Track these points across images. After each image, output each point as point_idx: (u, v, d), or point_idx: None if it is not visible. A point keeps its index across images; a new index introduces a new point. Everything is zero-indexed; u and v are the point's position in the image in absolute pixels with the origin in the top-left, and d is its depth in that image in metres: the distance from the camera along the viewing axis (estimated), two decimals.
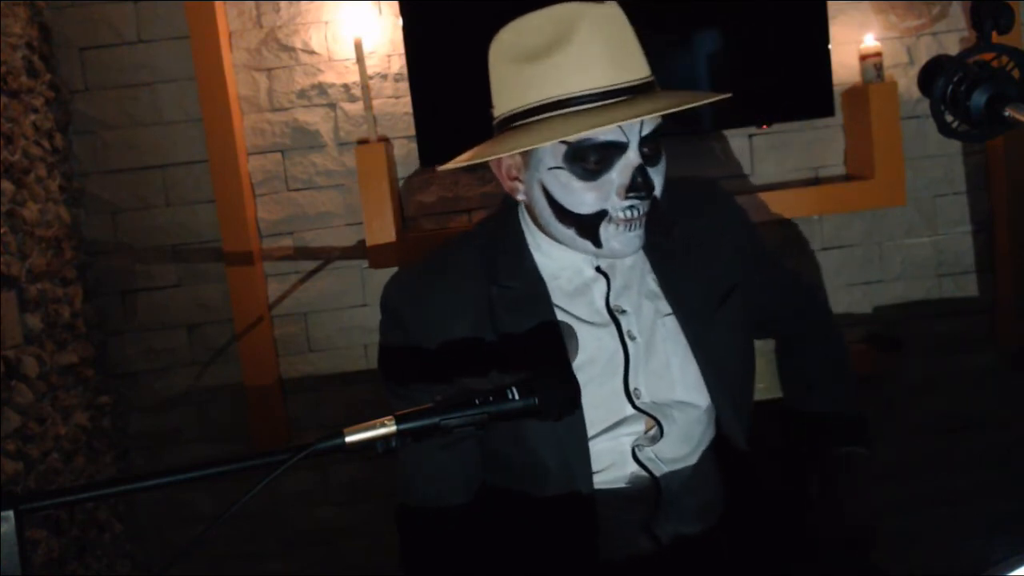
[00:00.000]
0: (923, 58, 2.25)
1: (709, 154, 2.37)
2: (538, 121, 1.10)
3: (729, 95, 1.17)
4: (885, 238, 2.43)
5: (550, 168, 1.13)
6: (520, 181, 1.19)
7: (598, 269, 1.22)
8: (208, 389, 2.36)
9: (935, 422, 2.46)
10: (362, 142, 2.28)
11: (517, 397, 0.91)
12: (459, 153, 1.20)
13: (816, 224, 2.41)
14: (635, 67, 1.11)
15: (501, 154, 1.13)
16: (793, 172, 2.39)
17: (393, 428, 0.85)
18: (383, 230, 2.19)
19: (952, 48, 2.36)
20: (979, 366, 2.46)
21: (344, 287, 2.37)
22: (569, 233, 1.16)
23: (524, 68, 1.11)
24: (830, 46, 2.22)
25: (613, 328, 1.21)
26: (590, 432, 1.18)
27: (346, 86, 2.30)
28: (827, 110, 2.27)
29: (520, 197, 1.21)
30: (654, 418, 1.21)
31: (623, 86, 1.09)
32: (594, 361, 1.20)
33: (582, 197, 1.12)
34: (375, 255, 2.20)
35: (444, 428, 0.88)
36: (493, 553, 1.25)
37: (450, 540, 1.23)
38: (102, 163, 2.30)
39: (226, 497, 2.30)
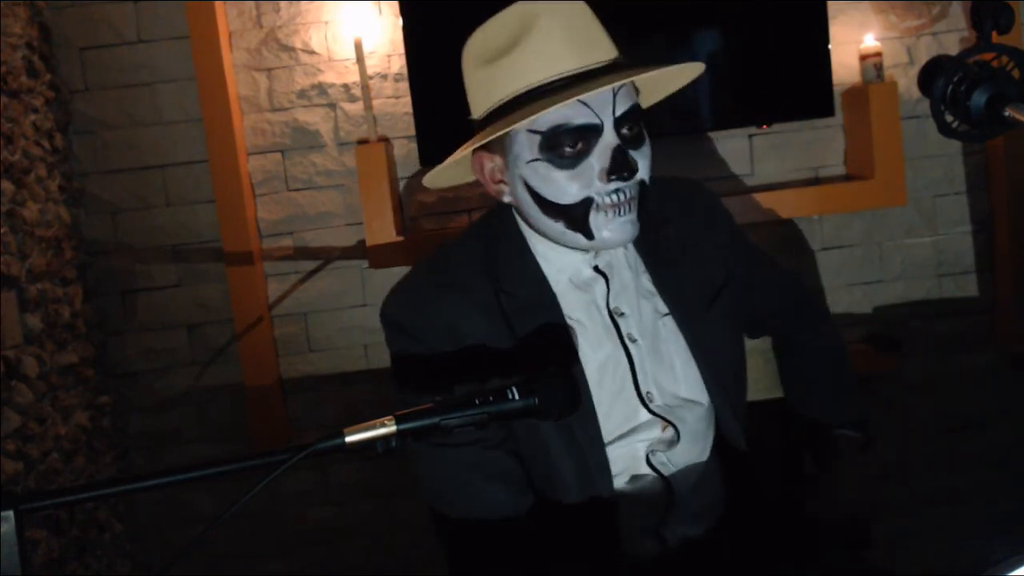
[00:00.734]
0: (923, 58, 2.25)
1: (709, 154, 2.37)
2: (505, 116, 1.11)
3: (701, 64, 1.18)
4: (885, 238, 2.43)
5: (528, 162, 1.12)
6: (504, 183, 1.18)
7: (596, 269, 1.21)
8: (208, 389, 2.37)
9: (935, 422, 2.46)
10: (362, 142, 2.27)
11: (517, 397, 0.90)
12: None
13: (816, 224, 2.41)
14: (599, 51, 1.11)
15: (465, 150, 1.14)
16: (793, 172, 2.39)
17: (393, 428, 0.85)
18: (383, 230, 2.19)
19: (952, 48, 2.36)
20: (979, 366, 2.45)
21: (344, 287, 2.37)
22: (558, 227, 1.14)
23: (490, 68, 1.12)
24: (830, 46, 2.22)
25: (613, 332, 1.21)
26: (606, 439, 1.17)
27: (346, 86, 2.30)
28: (827, 110, 2.27)
29: (507, 199, 1.19)
30: (670, 422, 1.20)
31: (587, 69, 1.09)
32: (603, 367, 1.19)
33: (564, 187, 1.11)
34: (375, 255, 2.20)
35: (444, 428, 0.87)
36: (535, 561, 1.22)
37: (500, 550, 1.19)
38: (102, 163, 2.30)
39: (226, 497, 2.30)
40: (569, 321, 1.19)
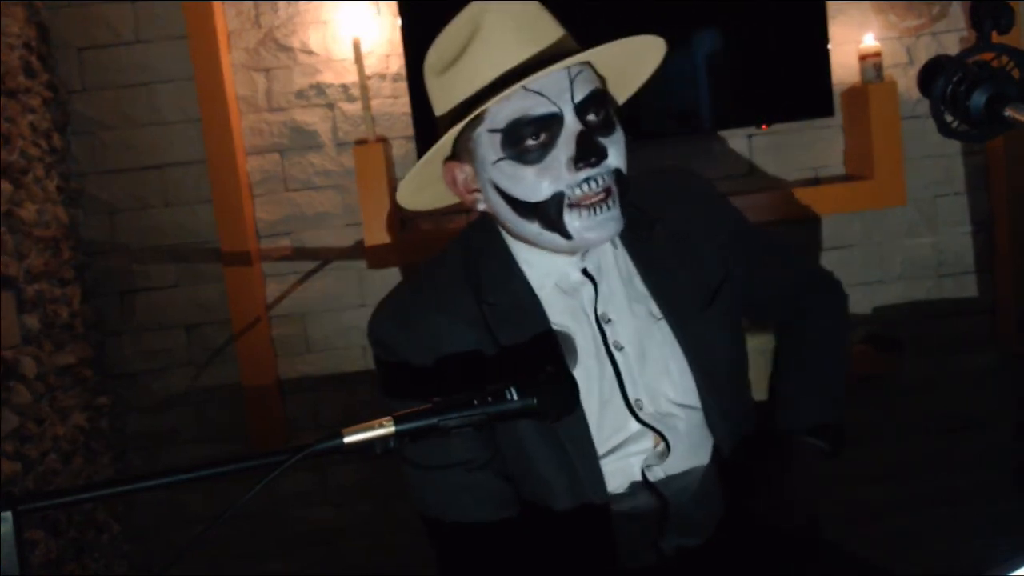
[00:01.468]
0: (923, 58, 2.25)
1: (709, 154, 2.37)
2: (462, 117, 1.09)
3: (658, 39, 1.14)
4: (885, 238, 2.42)
5: (494, 163, 1.09)
6: (478, 191, 1.15)
7: (585, 272, 1.17)
8: (206, 389, 2.36)
9: (935, 422, 2.46)
10: (360, 142, 2.27)
11: (515, 398, 0.90)
12: None
13: (816, 224, 2.40)
14: (548, 39, 1.08)
15: (423, 162, 1.13)
16: (793, 172, 2.39)
17: (391, 429, 0.85)
18: (381, 230, 2.18)
19: (952, 48, 2.36)
20: (979, 366, 2.45)
21: (342, 288, 2.36)
22: (534, 229, 1.11)
23: (444, 76, 1.11)
24: (830, 46, 2.23)
25: (600, 339, 1.17)
26: (599, 452, 1.15)
27: (344, 86, 2.30)
28: (827, 110, 2.27)
29: (482, 207, 1.16)
30: (660, 433, 1.17)
31: (535, 59, 1.06)
32: (589, 376, 1.15)
33: (532, 183, 1.07)
34: (373, 255, 2.20)
35: (442, 428, 0.87)
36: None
37: (486, 557, 1.17)
38: (100, 163, 2.30)
39: (225, 497, 2.30)
40: (555, 327, 1.16)
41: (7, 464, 1.82)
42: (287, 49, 2.29)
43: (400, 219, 2.30)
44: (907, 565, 2.41)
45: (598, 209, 1.07)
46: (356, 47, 2.17)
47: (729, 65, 2.26)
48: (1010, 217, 2.35)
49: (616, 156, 1.09)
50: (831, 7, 2.24)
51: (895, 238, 2.43)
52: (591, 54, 1.08)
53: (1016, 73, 0.91)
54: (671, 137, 2.31)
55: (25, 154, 2.04)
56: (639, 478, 1.18)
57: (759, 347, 1.43)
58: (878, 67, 2.24)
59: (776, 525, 1.22)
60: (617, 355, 1.17)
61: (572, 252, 1.15)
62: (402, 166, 2.32)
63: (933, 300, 2.45)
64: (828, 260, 2.41)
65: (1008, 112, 0.88)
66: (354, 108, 2.30)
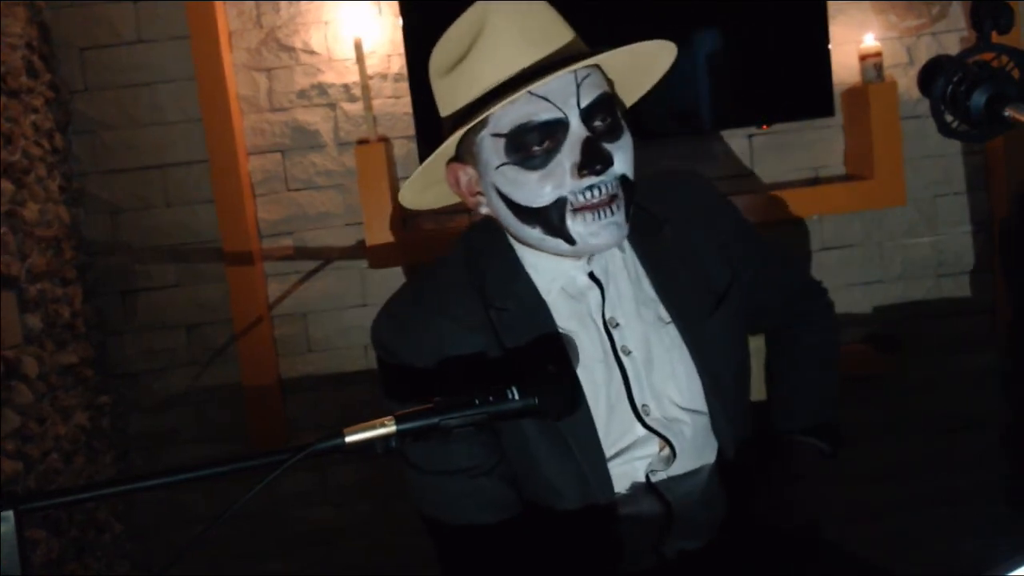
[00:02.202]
0: (923, 58, 2.25)
1: (709, 154, 2.37)
2: (465, 120, 1.08)
3: (669, 44, 1.11)
4: (885, 238, 2.43)
5: (497, 167, 1.08)
6: (481, 194, 1.14)
7: (591, 276, 1.16)
8: (207, 389, 2.36)
9: (935, 422, 2.46)
10: (362, 142, 2.27)
11: (517, 397, 0.90)
12: None
13: (816, 224, 2.41)
14: (555, 43, 1.06)
15: (427, 163, 1.12)
16: (793, 172, 2.39)
17: (393, 428, 0.85)
18: (383, 230, 2.18)
19: (952, 48, 2.36)
20: (979, 366, 2.45)
21: (344, 287, 2.37)
22: (536, 234, 1.09)
23: (449, 78, 1.10)
24: (830, 46, 2.22)
25: (607, 344, 1.16)
26: (606, 454, 1.14)
27: (346, 86, 2.30)
28: (827, 110, 2.27)
29: (484, 210, 1.15)
30: (665, 438, 1.16)
31: (541, 63, 1.04)
32: (596, 381, 1.14)
33: (535, 189, 1.06)
34: (375, 255, 2.20)
35: (444, 428, 0.87)
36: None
37: (487, 560, 1.17)
38: (102, 163, 2.30)
39: (226, 497, 2.30)
40: (562, 331, 1.15)
41: (8, 463, 1.82)
42: (289, 49, 2.30)
43: (402, 219, 2.30)
44: (907, 565, 2.41)
45: (602, 213, 1.05)
46: (358, 47, 2.17)
47: (729, 65, 2.26)
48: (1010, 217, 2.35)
49: (622, 162, 1.07)
50: (831, 7, 2.24)
51: (895, 238, 2.43)
52: (599, 59, 1.06)
53: (1016, 73, 0.91)
54: (671, 137, 2.31)
55: (27, 154, 2.04)
56: (643, 481, 1.17)
57: (759, 347, 1.44)
58: (878, 67, 2.24)
59: (777, 525, 1.22)
60: (625, 360, 1.16)
61: (577, 257, 1.14)
62: (404, 166, 2.32)
63: (933, 300, 2.45)
64: (828, 260, 2.41)
65: (1008, 112, 0.88)
66: (356, 108, 2.30)
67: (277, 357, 2.37)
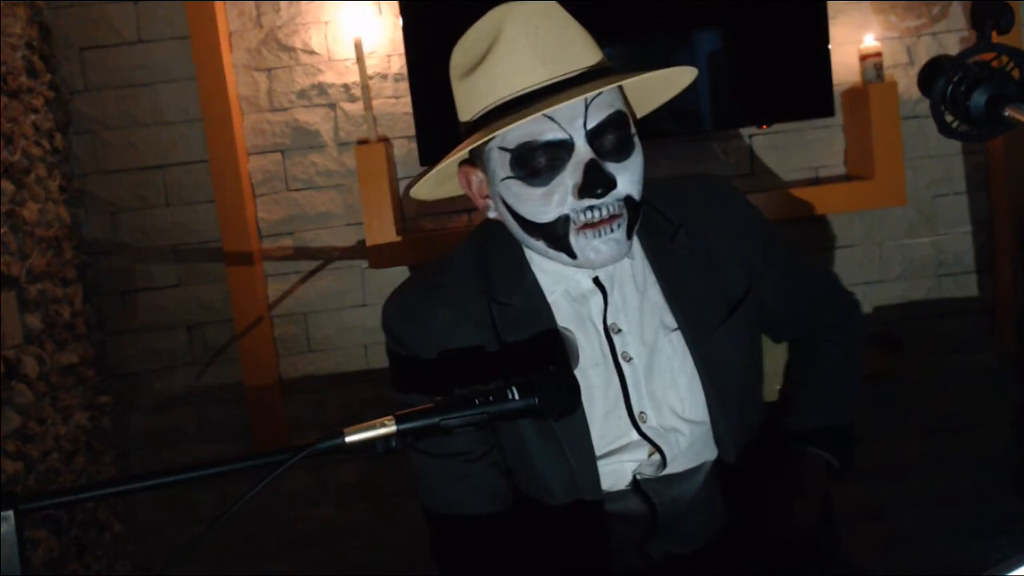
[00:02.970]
0: (923, 58, 2.25)
1: (709, 154, 2.37)
2: (477, 130, 1.08)
3: (688, 69, 1.11)
4: (885, 238, 2.43)
5: (502, 179, 1.08)
6: (490, 198, 1.15)
7: (596, 281, 1.16)
8: (208, 389, 2.37)
9: (935, 422, 2.46)
10: (362, 142, 2.27)
11: (517, 397, 0.90)
12: None
13: (816, 224, 2.41)
14: (568, 61, 1.05)
15: (442, 165, 1.12)
16: (793, 172, 2.39)
17: (393, 428, 0.85)
18: (383, 230, 2.19)
19: (952, 48, 2.36)
20: (979, 366, 2.45)
21: (344, 287, 2.37)
22: (540, 246, 1.10)
23: (467, 80, 1.09)
24: (830, 46, 2.22)
25: (607, 349, 1.16)
26: (596, 453, 1.15)
27: (346, 86, 2.30)
28: (827, 110, 2.27)
29: (492, 214, 1.16)
30: (657, 447, 1.16)
31: (554, 81, 1.03)
32: (593, 385, 1.15)
33: (538, 205, 1.06)
34: (375, 255, 2.20)
35: (444, 428, 0.87)
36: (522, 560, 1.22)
37: (477, 547, 1.19)
38: (102, 163, 2.30)
39: (226, 497, 2.30)
40: (562, 331, 1.16)
41: (9, 463, 1.82)
42: (289, 49, 2.30)
43: (402, 219, 2.30)
44: (907, 565, 2.41)
45: (604, 231, 1.06)
46: (358, 47, 2.17)
47: (730, 65, 2.26)
48: (1010, 217, 2.35)
49: (628, 183, 1.06)
50: (831, 7, 2.24)
51: (895, 238, 2.43)
52: (607, 88, 1.04)
53: (1016, 73, 0.91)
54: (671, 137, 2.31)
55: (27, 154, 2.05)
56: (630, 481, 1.18)
57: (767, 347, 1.40)
58: (878, 67, 2.24)
59: (779, 538, 1.21)
60: (624, 366, 1.16)
61: (580, 268, 1.14)
62: (404, 166, 2.32)
63: (933, 300, 2.45)
64: (828, 260, 2.41)
65: (1008, 112, 0.88)
66: (356, 108, 2.31)
67: (277, 357, 2.37)
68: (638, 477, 1.18)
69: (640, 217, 1.11)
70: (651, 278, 1.18)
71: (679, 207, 1.20)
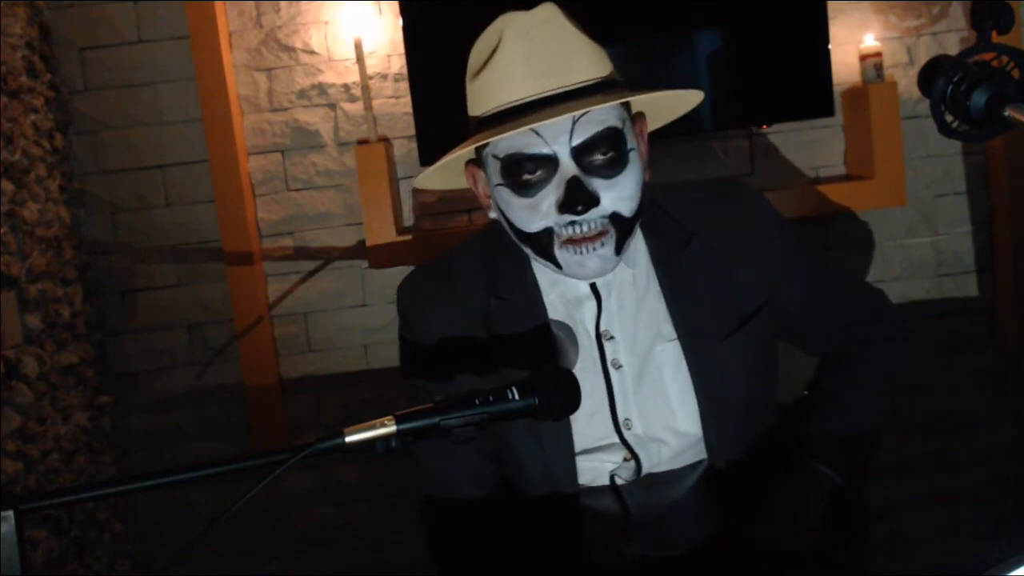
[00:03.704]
0: (923, 58, 2.25)
1: (709, 154, 2.37)
2: (476, 134, 1.11)
3: (695, 92, 1.14)
4: (885, 238, 2.43)
5: (496, 185, 1.11)
6: (492, 199, 1.16)
7: (592, 287, 1.16)
8: (208, 389, 2.36)
9: (935, 422, 2.46)
10: (362, 142, 2.27)
11: (517, 397, 0.91)
12: None
13: (816, 224, 2.40)
14: (564, 73, 1.04)
15: (444, 160, 1.13)
16: (793, 172, 2.39)
17: (393, 428, 0.85)
18: (383, 230, 2.19)
19: (952, 48, 2.36)
20: (979, 366, 2.45)
21: (344, 287, 2.37)
22: (530, 253, 1.13)
23: (473, 84, 1.12)
24: (830, 46, 2.22)
25: (597, 355, 1.16)
26: (576, 449, 1.17)
27: (346, 86, 2.30)
28: (827, 110, 2.27)
29: (492, 215, 1.18)
30: (634, 454, 1.16)
31: (543, 96, 1.03)
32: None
33: (525, 216, 1.07)
34: (375, 255, 2.20)
35: (444, 428, 0.87)
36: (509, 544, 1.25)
37: (465, 530, 1.23)
38: (102, 163, 2.30)
39: (226, 497, 2.30)
40: (553, 331, 1.18)
41: (9, 463, 1.82)
42: (289, 49, 2.30)
43: (402, 219, 2.30)
44: (907, 565, 2.41)
45: (587, 248, 1.06)
46: (358, 47, 2.17)
47: (729, 65, 2.26)
48: (1010, 217, 2.35)
49: (615, 200, 1.05)
50: (831, 7, 2.24)
51: (895, 238, 2.43)
52: (598, 108, 1.03)
53: (1016, 73, 0.91)
54: (671, 137, 2.30)
55: (27, 154, 2.05)
56: (607, 481, 1.19)
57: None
58: (878, 67, 2.24)
59: (776, 552, 1.19)
60: (613, 373, 1.16)
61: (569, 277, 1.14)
62: (404, 166, 2.32)
63: (933, 300, 2.45)
64: (828, 260, 2.41)
65: (1008, 112, 0.88)
66: (356, 108, 2.31)
67: (277, 357, 2.37)
68: (615, 479, 1.19)
69: (633, 232, 1.10)
70: (654, 286, 1.17)
71: (696, 214, 1.19)
